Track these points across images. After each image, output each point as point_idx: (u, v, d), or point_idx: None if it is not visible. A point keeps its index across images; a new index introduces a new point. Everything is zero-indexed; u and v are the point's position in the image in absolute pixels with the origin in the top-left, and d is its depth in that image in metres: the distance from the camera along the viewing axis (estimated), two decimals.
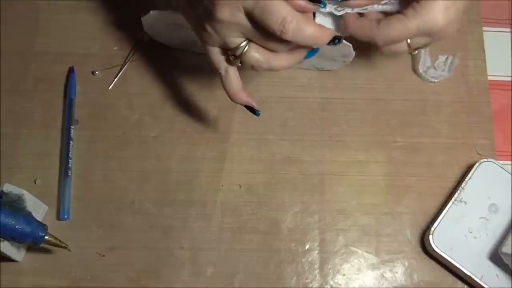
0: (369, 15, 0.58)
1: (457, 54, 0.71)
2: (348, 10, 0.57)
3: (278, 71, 0.57)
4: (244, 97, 0.59)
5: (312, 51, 0.57)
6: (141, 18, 0.66)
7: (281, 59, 0.56)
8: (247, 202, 0.66)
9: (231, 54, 0.55)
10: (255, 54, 0.54)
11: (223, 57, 0.56)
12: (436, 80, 0.70)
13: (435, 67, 0.71)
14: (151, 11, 0.64)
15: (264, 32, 0.52)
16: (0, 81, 0.69)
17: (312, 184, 0.67)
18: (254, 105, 0.59)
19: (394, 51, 0.59)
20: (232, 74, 0.57)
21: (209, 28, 0.53)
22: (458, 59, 0.71)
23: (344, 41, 0.58)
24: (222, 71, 0.57)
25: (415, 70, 0.71)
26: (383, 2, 0.58)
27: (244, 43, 0.54)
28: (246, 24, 0.52)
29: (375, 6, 0.58)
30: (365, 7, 0.57)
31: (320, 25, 0.54)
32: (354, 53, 0.64)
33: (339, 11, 0.57)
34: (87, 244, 0.63)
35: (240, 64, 0.55)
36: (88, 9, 0.72)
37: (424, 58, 0.70)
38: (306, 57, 0.57)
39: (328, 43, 0.54)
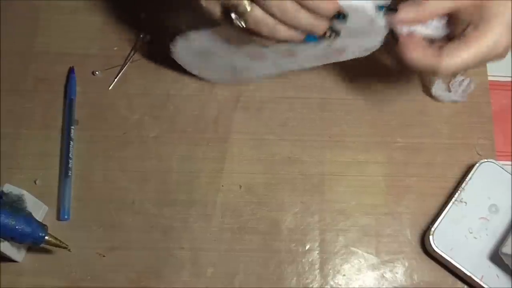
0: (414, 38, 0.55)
1: (474, 79, 0.69)
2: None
3: (279, 41, 0.54)
4: None
5: (310, 36, 0.55)
6: (170, 47, 0.63)
7: (283, 28, 0.53)
8: (247, 203, 0.66)
9: (235, 13, 0.52)
10: (259, 12, 0.52)
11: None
12: (447, 101, 0.69)
13: (450, 89, 0.69)
14: (179, 38, 0.62)
15: None
16: (0, 81, 0.69)
17: (312, 184, 0.67)
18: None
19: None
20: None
21: None
22: (475, 84, 0.69)
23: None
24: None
25: (427, 89, 0.67)
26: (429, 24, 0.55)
27: (247, 1, 0.51)
28: None
29: (422, 28, 0.55)
30: (412, 28, 0.54)
31: None
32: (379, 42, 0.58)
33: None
34: (87, 244, 0.63)
35: (244, 25, 0.52)
36: (88, 9, 0.72)
37: (439, 79, 0.67)
38: (307, 39, 0.55)
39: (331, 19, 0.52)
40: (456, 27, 0.55)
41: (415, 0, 0.54)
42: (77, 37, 0.71)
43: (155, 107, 0.69)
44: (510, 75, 0.72)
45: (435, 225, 0.63)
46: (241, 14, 0.52)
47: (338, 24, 0.54)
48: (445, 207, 0.64)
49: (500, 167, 0.65)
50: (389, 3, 0.55)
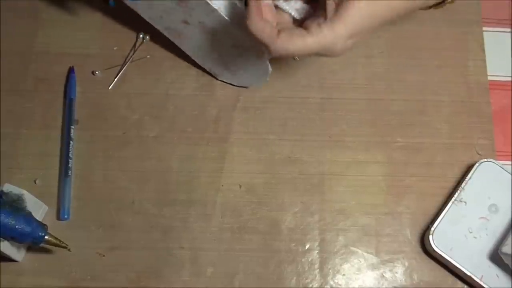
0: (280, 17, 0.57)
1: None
2: None
3: None
4: None
5: None
6: None
7: None
8: (247, 202, 0.66)
9: None
10: None
11: None
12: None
13: None
14: None
15: None
16: (0, 81, 0.69)
17: (312, 184, 0.67)
18: None
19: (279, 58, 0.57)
20: None
21: None
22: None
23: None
24: None
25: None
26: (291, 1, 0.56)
27: None
28: None
29: (283, 2, 0.56)
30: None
31: None
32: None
33: None
34: (87, 244, 0.63)
35: None
36: (88, 9, 0.72)
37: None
38: None
39: None
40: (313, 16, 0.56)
41: None
42: (77, 37, 0.71)
43: (155, 107, 0.69)
44: (510, 75, 0.72)
45: (435, 225, 0.63)
46: None
47: None
48: (445, 207, 0.64)
49: (500, 167, 0.65)
50: None
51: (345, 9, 0.53)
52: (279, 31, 0.54)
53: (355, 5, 0.53)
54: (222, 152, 0.67)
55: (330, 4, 0.54)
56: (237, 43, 0.62)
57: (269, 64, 0.64)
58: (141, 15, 0.65)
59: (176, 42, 0.68)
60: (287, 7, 0.57)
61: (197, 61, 0.69)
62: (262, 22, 0.54)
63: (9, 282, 0.62)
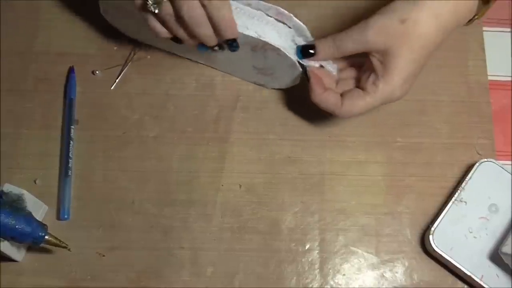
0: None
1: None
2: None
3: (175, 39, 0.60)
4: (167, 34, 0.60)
5: (202, 46, 0.61)
6: (99, 2, 0.67)
7: (182, 31, 0.59)
8: (247, 202, 0.66)
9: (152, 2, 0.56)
10: (169, 7, 0.57)
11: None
12: None
13: None
14: None
15: None
16: (0, 81, 0.69)
17: (312, 184, 0.67)
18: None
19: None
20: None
21: None
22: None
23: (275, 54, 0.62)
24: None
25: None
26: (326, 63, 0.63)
27: None
28: None
29: (328, 65, 0.63)
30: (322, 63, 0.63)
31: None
32: (299, 74, 0.65)
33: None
34: (87, 244, 0.63)
35: (155, 11, 0.57)
36: (88, 9, 0.72)
37: None
38: (199, 49, 0.61)
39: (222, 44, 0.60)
40: (358, 73, 0.63)
41: (328, 38, 0.61)
42: (77, 37, 0.71)
43: (155, 107, 0.69)
44: (510, 75, 0.72)
45: (435, 225, 0.63)
46: (158, 2, 0.56)
47: (229, 48, 0.61)
48: (445, 207, 0.64)
49: (500, 166, 0.65)
50: (305, 44, 0.63)
51: (390, 62, 0.59)
52: (341, 96, 0.61)
53: (397, 56, 0.58)
54: (222, 152, 0.67)
55: (377, 63, 0.60)
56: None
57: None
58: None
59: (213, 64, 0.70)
60: (331, 69, 0.64)
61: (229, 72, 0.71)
62: (326, 93, 0.61)
63: (9, 282, 0.62)
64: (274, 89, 0.70)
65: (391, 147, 0.68)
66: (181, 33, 0.59)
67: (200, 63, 0.70)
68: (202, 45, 0.61)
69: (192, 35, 0.59)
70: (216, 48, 0.61)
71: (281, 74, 0.66)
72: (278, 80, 0.68)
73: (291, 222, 0.65)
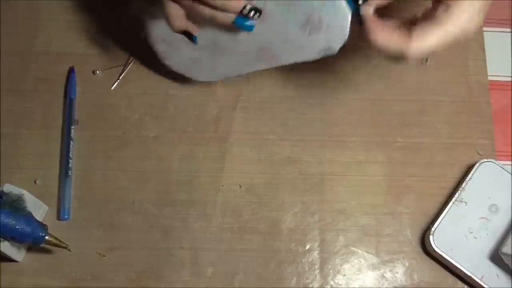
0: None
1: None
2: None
3: (205, 15, 0.55)
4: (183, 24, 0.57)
5: (239, 19, 0.55)
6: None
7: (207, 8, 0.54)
8: (247, 202, 0.66)
9: None
10: None
11: None
12: None
13: None
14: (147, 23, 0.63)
15: None
16: (0, 81, 0.69)
17: (312, 184, 0.67)
18: (193, 31, 0.58)
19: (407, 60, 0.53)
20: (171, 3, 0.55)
21: None
22: None
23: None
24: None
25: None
26: None
27: None
28: None
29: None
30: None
31: None
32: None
33: None
34: (87, 244, 0.63)
35: None
36: (88, 9, 0.72)
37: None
38: (237, 22, 0.55)
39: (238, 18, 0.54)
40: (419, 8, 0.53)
41: None
42: (77, 37, 0.71)
43: (155, 107, 0.69)
44: (510, 75, 0.72)
45: (435, 225, 0.63)
46: None
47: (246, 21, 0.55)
48: (445, 207, 0.64)
49: (500, 167, 0.65)
50: None
51: None
52: (408, 31, 0.51)
53: None
54: (222, 152, 0.67)
55: None
56: None
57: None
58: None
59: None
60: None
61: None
62: (386, 32, 0.52)
63: (9, 282, 0.62)
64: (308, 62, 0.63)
65: (391, 147, 0.68)
66: (207, 10, 0.53)
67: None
68: (239, 18, 0.54)
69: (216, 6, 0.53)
70: (252, 12, 0.54)
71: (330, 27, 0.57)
72: (327, 37, 0.59)
73: (291, 222, 0.65)
